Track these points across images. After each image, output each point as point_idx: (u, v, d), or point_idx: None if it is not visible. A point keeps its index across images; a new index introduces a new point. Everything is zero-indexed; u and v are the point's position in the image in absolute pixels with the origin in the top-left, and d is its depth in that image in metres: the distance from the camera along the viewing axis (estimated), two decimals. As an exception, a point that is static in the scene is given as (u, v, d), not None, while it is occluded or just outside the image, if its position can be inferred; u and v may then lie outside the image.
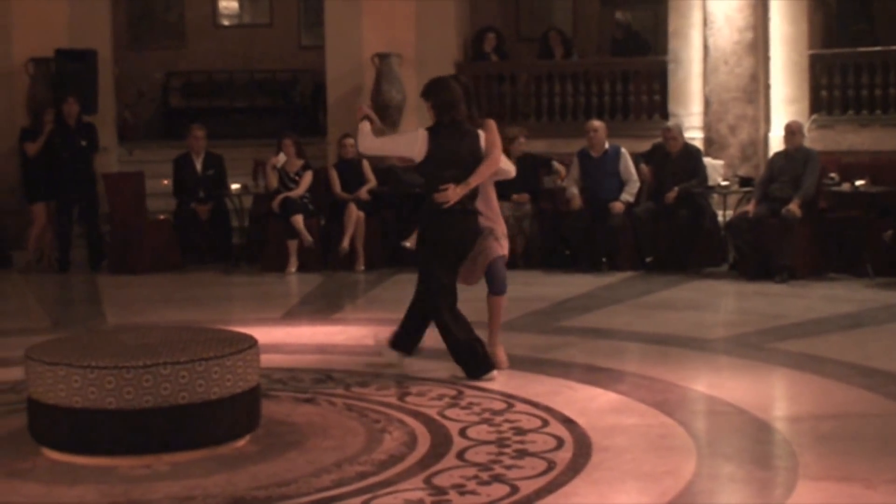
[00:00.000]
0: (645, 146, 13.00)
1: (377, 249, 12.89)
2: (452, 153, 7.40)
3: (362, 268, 12.68)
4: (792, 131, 11.90)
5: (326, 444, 6.04)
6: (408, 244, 12.42)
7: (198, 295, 11.28)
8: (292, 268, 12.54)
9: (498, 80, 14.90)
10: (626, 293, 10.97)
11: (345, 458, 5.80)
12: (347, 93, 14.63)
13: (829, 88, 13.86)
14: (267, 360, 6.93)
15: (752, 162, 13.55)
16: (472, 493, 5.27)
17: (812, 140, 12.95)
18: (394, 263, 12.66)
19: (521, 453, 5.80)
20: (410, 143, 7.53)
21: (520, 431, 6.19)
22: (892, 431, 6.31)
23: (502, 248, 7.80)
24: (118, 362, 5.67)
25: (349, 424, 6.42)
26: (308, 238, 12.56)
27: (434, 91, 7.52)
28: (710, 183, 12.50)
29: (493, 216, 7.81)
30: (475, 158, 7.44)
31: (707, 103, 13.86)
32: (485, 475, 5.47)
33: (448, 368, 7.57)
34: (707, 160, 12.72)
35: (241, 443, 6.01)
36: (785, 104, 13.78)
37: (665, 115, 14.20)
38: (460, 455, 5.81)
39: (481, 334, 7.58)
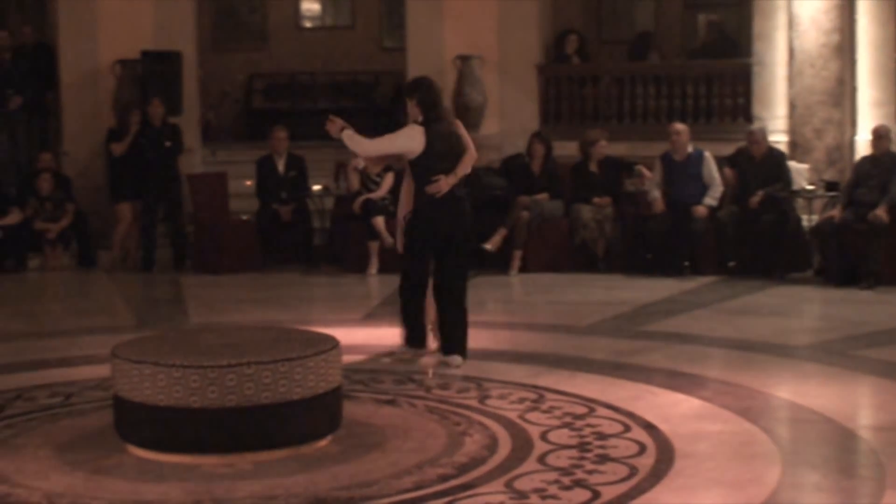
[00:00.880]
0: (728, 149, 12.86)
1: (457, 251, 12.86)
2: (446, 146, 8.01)
3: (442, 270, 12.66)
4: (879, 135, 11.73)
5: (407, 446, 6.05)
6: (488, 246, 12.50)
7: (279, 295, 11.35)
8: (373, 269, 12.58)
9: (579, 83, 14.83)
10: (709, 298, 10.87)
11: (426, 460, 5.81)
12: (429, 95, 14.62)
13: (917, 92, 13.64)
14: (348, 360, 6.97)
15: (838, 166, 13.35)
16: (554, 497, 5.25)
17: (899, 144, 12.74)
18: (474, 265, 12.62)
19: (603, 458, 5.77)
20: (410, 138, 8.02)
21: (601, 436, 6.16)
22: (982, 442, 6.20)
23: None
24: (203, 361, 5.73)
25: (430, 427, 6.43)
26: (389, 239, 12.57)
27: (420, 89, 8.16)
28: (795, 187, 12.34)
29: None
30: (461, 150, 8.08)
31: (792, 106, 13.69)
32: (566, 480, 5.45)
33: (529, 371, 7.56)
34: (792, 164, 12.57)
35: (322, 443, 6.05)
36: (872, 108, 13.55)
37: (749, 118, 14.03)
38: (541, 459, 5.79)
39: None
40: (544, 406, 6.82)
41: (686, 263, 12.15)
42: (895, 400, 7.11)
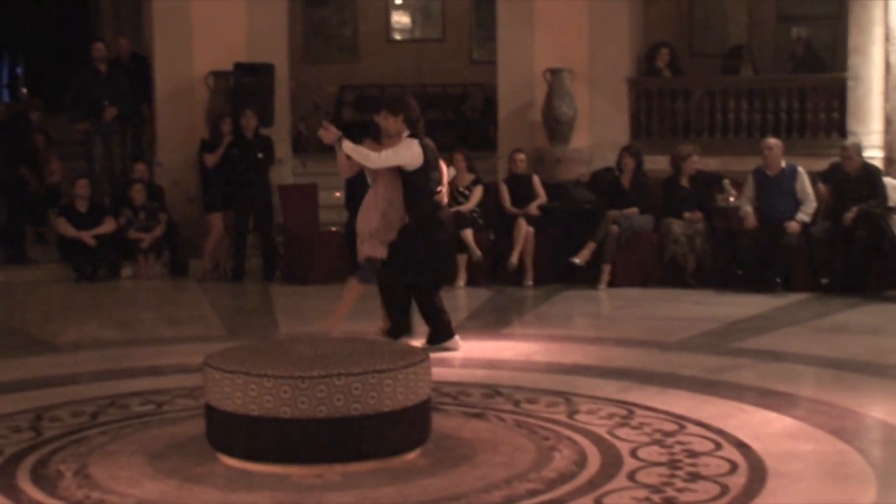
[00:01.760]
0: (821, 165, 12.71)
1: (546, 265, 12.86)
2: (434, 160, 8.71)
3: (531, 283, 12.66)
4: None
5: (496, 460, 6.03)
6: (577, 260, 12.47)
7: (368, 307, 11.35)
8: (461, 282, 12.60)
9: (671, 97, 14.73)
10: (801, 315, 10.72)
11: (515, 474, 5.78)
12: (519, 108, 14.64)
13: None
14: (436, 374, 6.96)
15: (935, 182, 13.12)
16: (644, 515, 5.21)
17: None
18: (562, 279, 12.61)
19: (694, 476, 5.70)
20: (413, 152, 8.58)
21: (692, 454, 6.09)
22: None
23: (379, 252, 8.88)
24: (293, 372, 5.75)
25: (519, 441, 6.40)
26: (477, 252, 12.61)
27: (404, 107, 8.69)
28: (891, 203, 12.15)
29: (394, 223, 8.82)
30: (438, 165, 8.85)
31: (888, 122, 13.47)
32: (657, 497, 5.40)
33: (618, 387, 7.52)
34: (887, 180, 12.38)
35: (411, 456, 6.04)
36: (968, 124, 13.32)
37: (843, 133, 13.84)
38: (631, 476, 5.74)
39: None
40: (634, 422, 6.76)
41: (778, 280, 12.01)
42: None
